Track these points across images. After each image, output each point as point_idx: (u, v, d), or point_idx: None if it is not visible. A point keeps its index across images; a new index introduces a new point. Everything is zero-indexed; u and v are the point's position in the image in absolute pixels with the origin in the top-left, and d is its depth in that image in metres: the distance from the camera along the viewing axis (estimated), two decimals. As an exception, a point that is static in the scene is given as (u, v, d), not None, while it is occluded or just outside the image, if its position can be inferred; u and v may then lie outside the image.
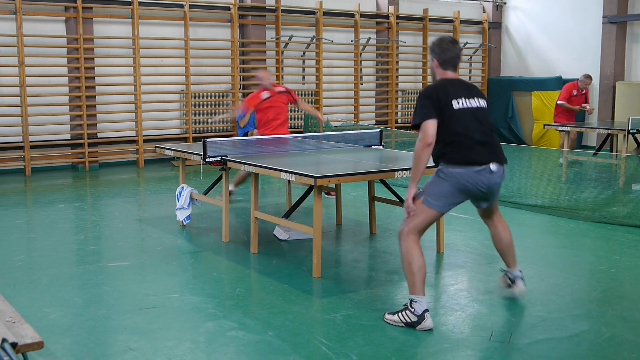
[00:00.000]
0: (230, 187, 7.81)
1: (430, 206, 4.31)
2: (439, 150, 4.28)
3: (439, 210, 4.34)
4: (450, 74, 4.43)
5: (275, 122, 8.06)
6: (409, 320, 4.20)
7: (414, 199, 4.32)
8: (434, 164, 4.44)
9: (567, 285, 5.14)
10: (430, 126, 4.18)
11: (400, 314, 4.25)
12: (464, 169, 4.24)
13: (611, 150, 11.30)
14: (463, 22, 15.52)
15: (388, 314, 4.35)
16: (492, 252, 6.11)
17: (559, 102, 11.44)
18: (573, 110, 11.36)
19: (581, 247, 6.46)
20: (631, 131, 9.33)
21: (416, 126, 4.25)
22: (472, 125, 4.28)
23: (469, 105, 4.32)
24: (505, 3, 16.03)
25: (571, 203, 8.11)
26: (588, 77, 11.53)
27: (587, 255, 6.22)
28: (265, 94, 8.05)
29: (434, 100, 4.23)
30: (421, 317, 4.17)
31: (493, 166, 4.28)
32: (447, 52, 4.39)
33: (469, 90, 4.41)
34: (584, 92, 11.53)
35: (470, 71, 16.05)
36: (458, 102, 4.28)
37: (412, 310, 4.20)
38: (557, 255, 6.18)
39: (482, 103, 4.43)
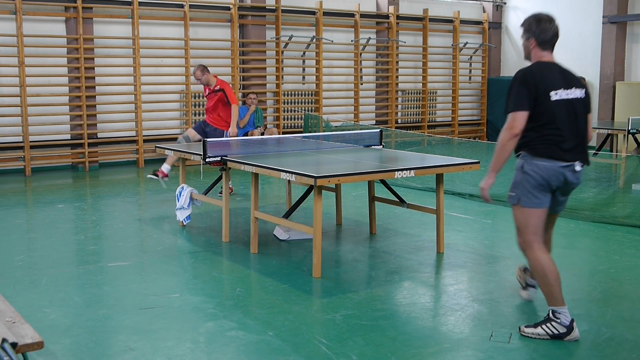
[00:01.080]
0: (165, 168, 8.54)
1: (531, 206, 4.04)
2: (524, 138, 4.02)
3: (539, 206, 4.06)
4: (547, 56, 4.15)
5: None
6: (556, 332, 4.00)
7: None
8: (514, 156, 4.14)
9: (567, 285, 5.13)
10: (521, 118, 3.93)
11: (544, 326, 4.03)
12: (550, 163, 3.98)
13: (611, 150, 11.31)
14: (463, 22, 15.52)
15: (526, 327, 4.10)
16: (492, 252, 6.12)
17: None
18: None
19: (581, 247, 6.46)
20: (631, 131, 9.33)
21: (507, 111, 4.00)
22: (567, 119, 4.01)
23: (566, 96, 4.03)
24: (505, 3, 16.03)
25: (571, 203, 8.08)
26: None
27: (587, 255, 6.22)
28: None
29: (530, 88, 3.95)
30: (570, 328, 3.99)
31: (578, 166, 4.05)
32: (546, 31, 4.12)
33: (567, 79, 4.11)
34: None
35: (470, 71, 16.06)
36: (556, 93, 4.00)
37: (559, 321, 4.00)
38: (557, 255, 6.14)
39: (580, 93, 4.12)
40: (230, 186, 9.09)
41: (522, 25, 4.26)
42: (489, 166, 4.14)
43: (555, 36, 4.18)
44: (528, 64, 4.27)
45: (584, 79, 11.51)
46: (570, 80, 4.12)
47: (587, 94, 4.19)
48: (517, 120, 3.95)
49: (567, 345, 3.98)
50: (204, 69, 8.56)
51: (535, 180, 4.01)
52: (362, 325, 4.27)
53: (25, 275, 5.35)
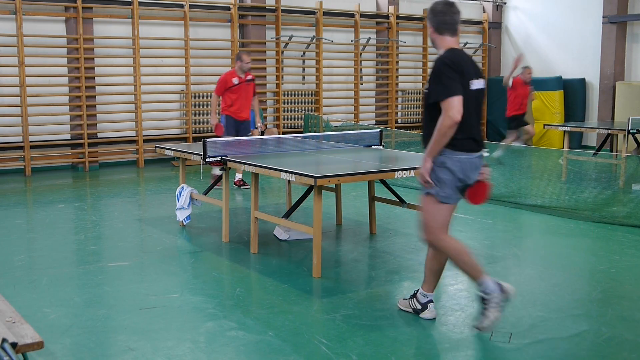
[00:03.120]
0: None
1: (446, 201, 4.06)
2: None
3: (453, 201, 4.12)
4: (451, 41, 4.12)
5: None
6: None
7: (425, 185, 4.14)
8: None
9: (567, 285, 5.14)
10: (459, 102, 3.87)
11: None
12: (468, 156, 4.04)
13: (611, 150, 11.31)
14: (463, 22, 15.40)
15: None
16: (492, 252, 6.11)
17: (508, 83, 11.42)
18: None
19: (581, 247, 6.46)
20: (631, 131, 9.33)
21: (436, 101, 3.92)
22: (475, 109, 4.07)
23: (477, 86, 4.07)
24: (505, 3, 16.03)
25: (571, 203, 8.11)
26: (528, 68, 11.42)
27: (587, 255, 6.22)
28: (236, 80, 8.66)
29: (457, 74, 3.94)
30: (494, 291, 4.03)
31: (484, 153, 4.18)
32: (439, 15, 4.13)
33: (476, 68, 4.14)
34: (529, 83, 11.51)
35: (470, 71, 16.05)
36: (472, 83, 4.02)
37: (484, 290, 4.05)
38: (557, 255, 6.17)
39: (484, 83, 4.18)
40: (242, 179, 9.11)
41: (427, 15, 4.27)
42: (425, 150, 4.08)
43: (452, 21, 4.15)
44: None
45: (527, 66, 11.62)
46: (477, 69, 4.16)
47: (485, 84, 4.27)
48: (456, 106, 3.87)
49: (568, 345, 3.98)
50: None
51: (457, 175, 4.04)
52: (362, 325, 4.27)
53: (25, 275, 5.35)
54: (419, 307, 4.39)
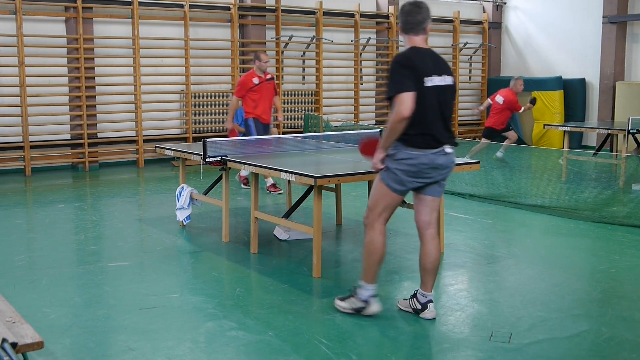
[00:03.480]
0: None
1: (391, 188, 4.24)
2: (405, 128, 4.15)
3: (398, 193, 4.27)
4: (417, 41, 4.24)
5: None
6: (355, 306, 4.39)
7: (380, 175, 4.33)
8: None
9: (567, 285, 5.14)
10: (408, 98, 4.00)
11: (348, 301, 4.43)
12: (421, 152, 4.14)
13: (611, 150, 11.31)
14: (463, 22, 15.52)
15: (339, 299, 4.51)
16: (492, 252, 6.12)
17: (521, 110, 11.32)
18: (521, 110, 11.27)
19: (581, 247, 6.46)
20: (631, 131, 9.33)
21: (390, 97, 4.08)
22: (437, 105, 4.15)
23: (436, 83, 4.15)
24: (505, 3, 16.03)
25: (571, 203, 8.11)
26: (520, 79, 11.23)
27: (587, 255, 6.22)
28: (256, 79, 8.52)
29: (409, 71, 4.06)
30: (367, 302, 4.35)
31: (448, 149, 4.21)
32: (407, 15, 4.25)
33: (438, 66, 4.21)
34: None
35: (470, 71, 16.05)
36: (430, 80, 4.12)
37: (357, 295, 4.37)
38: (557, 255, 6.18)
39: (449, 80, 4.26)
40: (273, 181, 8.97)
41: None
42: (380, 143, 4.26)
43: (417, 21, 4.25)
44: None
45: (519, 77, 11.39)
46: (441, 67, 4.24)
47: (453, 80, 4.34)
48: (404, 102, 4.01)
49: (568, 345, 3.98)
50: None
51: (407, 168, 4.17)
52: (362, 325, 4.27)
53: (25, 275, 5.35)
54: (419, 307, 4.40)
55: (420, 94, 4.06)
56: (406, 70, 4.06)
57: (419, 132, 4.12)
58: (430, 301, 4.41)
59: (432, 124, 4.15)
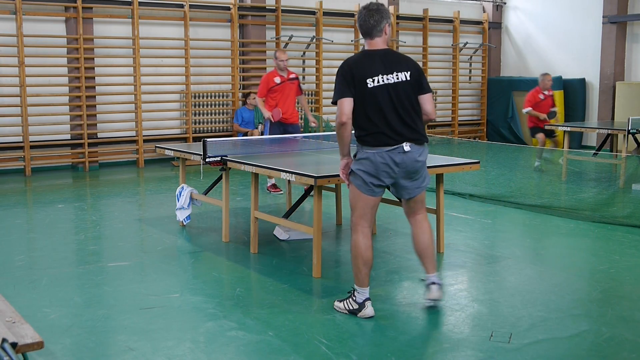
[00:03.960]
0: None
1: (360, 189, 4.32)
2: (355, 130, 4.31)
3: (367, 193, 4.32)
4: (374, 44, 4.31)
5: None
6: (351, 307, 4.40)
7: (348, 177, 4.44)
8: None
9: (567, 285, 5.14)
10: (345, 104, 4.21)
11: (345, 302, 4.45)
12: (375, 150, 4.23)
13: (611, 150, 11.30)
14: (463, 22, 15.52)
15: (337, 301, 4.53)
16: (492, 252, 6.12)
17: (523, 110, 10.95)
18: (539, 117, 10.73)
19: (581, 247, 6.46)
20: (631, 131, 9.33)
21: (335, 103, 4.30)
22: (390, 103, 4.21)
23: (385, 81, 4.21)
24: (505, 3, 16.03)
25: (571, 203, 8.11)
26: (546, 75, 10.97)
27: (587, 255, 6.21)
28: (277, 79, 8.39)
29: (347, 78, 4.21)
30: (362, 305, 4.36)
31: (406, 146, 4.23)
32: (360, 21, 4.33)
33: (388, 64, 4.25)
34: (550, 93, 10.94)
35: (470, 71, 16.05)
36: (373, 80, 4.20)
37: (354, 298, 4.39)
38: (557, 255, 6.18)
39: (403, 77, 4.27)
40: (274, 181, 8.81)
41: None
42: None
43: (367, 26, 4.29)
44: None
45: (547, 73, 11.01)
46: (391, 65, 4.26)
47: (414, 75, 4.31)
48: (342, 107, 4.22)
49: (568, 345, 3.98)
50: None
51: (366, 168, 4.26)
52: (362, 325, 4.27)
53: (25, 275, 5.35)
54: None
55: (362, 96, 4.21)
56: (343, 78, 4.23)
57: (369, 131, 4.24)
58: (433, 283, 4.49)
59: (382, 122, 4.22)
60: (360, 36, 4.44)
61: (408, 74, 4.29)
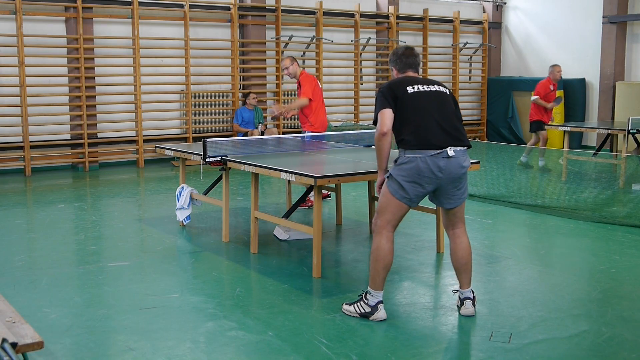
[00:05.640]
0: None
1: (394, 195, 4.27)
2: (398, 134, 4.28)
3: (401, 200, 4.27)
4: (409, 73, 4.47)
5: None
6: (363, 310, 4.36)
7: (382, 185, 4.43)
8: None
9: (567, 285, 5.14)
10: (385, 115, 4.22)
11: (355, 305, 4.41)
12: (419, 153, 4.18)
13: (611, 150, 11.30)
14: (463, 22, 15.52)
15: (346, 304, 4.49)
16: (492, 252, 6.12)
17: (532, 97, 10.98)
18: (546, 107, 10.88)
19: (581, 247, 6.46)
20: (631, 131, 9.33)
21: (376, 121, 4.32)
22: (429, 107, 4.26)
23: (425, 89, 4.32)
24: (505, 3, 16.03)
25: (571, 203, 8.11)
26: (556, 66, 11.06)
27: (587, 255, 6.21)
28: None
29: (386, 94, 4.28)
30: (374, 308, 4.33)
31: (450, 151, 4.20)
32: (403, 58, 4.47)
33: (426, 82, 4.40)
34: (555, 87, 11.09)
35: (470, 71, 16.05)
36: (413, 87, 4.29)
37: (367, 301, 4.36)
38: (557, 255, 6.18)
39: (442, 89, 4.41)
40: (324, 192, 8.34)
41: (389, 58, 4.63)
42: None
43: (414, 62, 4.49)
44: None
45: (557, 65, 11.13)
46: (428, 82, 4.42)
47: (451, 93, 4.49)
48: (382, 118, 4.22)
49: (568, 345, 3.98)
50: (293, 60, 7.98)
51: (406, 173, 4.22)
52: (362, 325, 4.27)
53: (25, 275, 5.35)
54: (459, 303, 4.50)
55: (403, 100, 4.25)
56: (382, 95, 4.28)
57: (411, 132, 4.22)
58: (468, 298, 4.46)
59: (423, 124, 4.22)
60: (390, 66, 4.60)
61: (446, 90, 4.44)
